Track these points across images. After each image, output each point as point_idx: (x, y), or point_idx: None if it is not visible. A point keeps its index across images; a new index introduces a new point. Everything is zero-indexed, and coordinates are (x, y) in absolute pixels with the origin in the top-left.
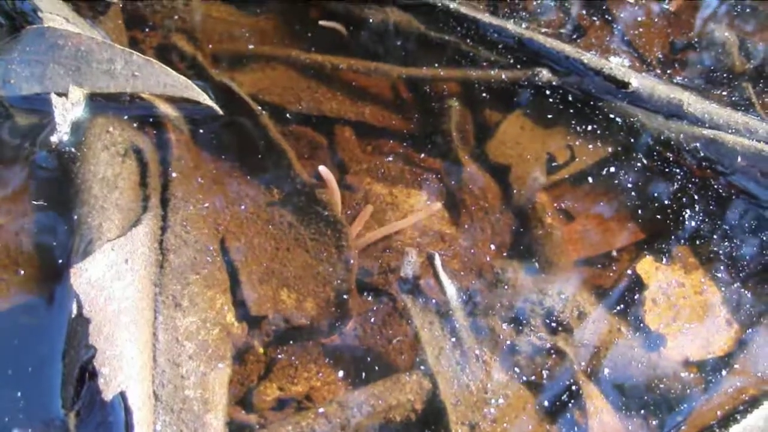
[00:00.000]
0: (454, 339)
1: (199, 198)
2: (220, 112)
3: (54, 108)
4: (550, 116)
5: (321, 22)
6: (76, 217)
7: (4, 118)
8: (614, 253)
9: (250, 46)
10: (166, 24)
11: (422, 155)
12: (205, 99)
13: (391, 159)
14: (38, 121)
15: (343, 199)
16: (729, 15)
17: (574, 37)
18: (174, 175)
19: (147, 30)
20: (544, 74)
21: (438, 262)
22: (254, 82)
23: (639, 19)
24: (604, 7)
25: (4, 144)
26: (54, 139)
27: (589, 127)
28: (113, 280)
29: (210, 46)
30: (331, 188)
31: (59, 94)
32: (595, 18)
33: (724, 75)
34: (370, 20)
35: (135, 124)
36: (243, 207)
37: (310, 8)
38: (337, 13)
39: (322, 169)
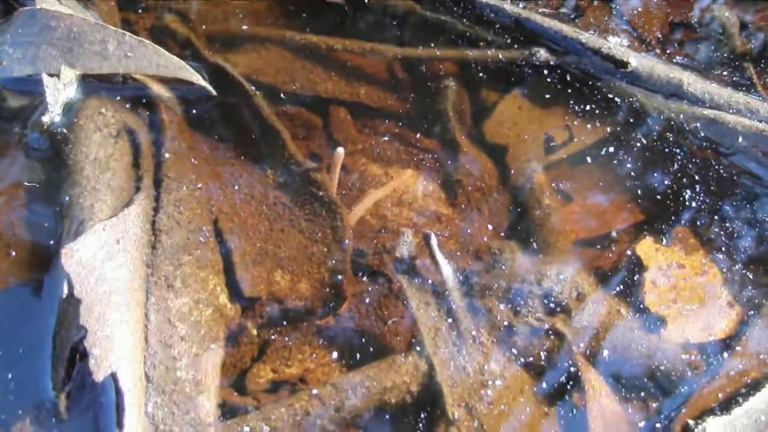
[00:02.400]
0: (450, 320)
1: (193, 179)
2: (214, 93)
3: (45, 88)
4: (548, 96)
5: None
6: (67, 198)
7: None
8: (613, 234)
9: (244, 27)
10: (159, 5)
11: (418, 136)
12: (198, 79)
13: (386, 139)
14: (30, 102)
15: (339, 180)
16: None
17: (573, 17)
18: (167, 155)
19: (140, 11)
20: (542, 54)
21: (434, 241)
22: (248, 63)
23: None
24: None
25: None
26: (45, 119)
27: (588, 107)
28: (104, 261)
29: (204, 27)
30: (335, 169)
31: (51, 75)
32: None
33: (725, 56)
34: (368, 2)
35: (128, 105)
36: (237, 188)
37: None
38: None
39: (339, 150)
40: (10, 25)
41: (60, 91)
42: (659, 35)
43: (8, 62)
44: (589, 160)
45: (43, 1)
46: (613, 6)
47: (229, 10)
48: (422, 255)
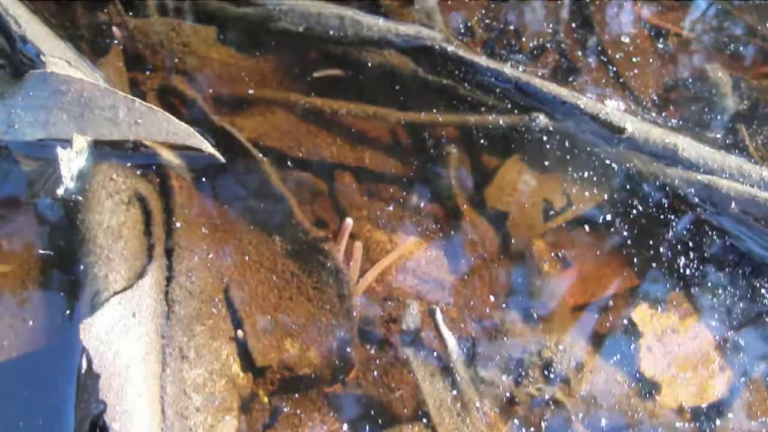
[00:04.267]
0: (455, 392)
1: (203, 247)
2: (223, 160)
3: (60, 161)
4: (547, 162)
5: (315, 74)
6: (82, 267)
7: (8, 164)
8: (610, 300)
9: (250, 90)
10: (166, 65)
11: (421, 201)
12: (208, 147)
13: (390, 205)
14: (42, 167)
15: (345, 247)
16: (722, 54)
17: (570, 78)
18: (177, 223)
19: (147, 72)
20: (541, 119)
21: (439, 316)
22: (254, 127)
23: (634, 59)
24: (599, 48)
25: (8, 190)
26: (60, 191)
27: (586, 173)
28: (121, 335)
29: (210, 88)
30: (342, 239)
31: (64, 146)
32: (590, 59)
33: (718, 116)
34: (368, 63)
35: (138, 171)
36: (246, 256)
37: (308, 50)
38: (335, 56)
39: (348, 221)
40: (20, 87)
41: (72, 160)
42: (654, 96)
43: (20, 126)
44: (586, 226)
45: (53, 64)
46: (609, 67)
47: (234, 71)
48: (427, 327)
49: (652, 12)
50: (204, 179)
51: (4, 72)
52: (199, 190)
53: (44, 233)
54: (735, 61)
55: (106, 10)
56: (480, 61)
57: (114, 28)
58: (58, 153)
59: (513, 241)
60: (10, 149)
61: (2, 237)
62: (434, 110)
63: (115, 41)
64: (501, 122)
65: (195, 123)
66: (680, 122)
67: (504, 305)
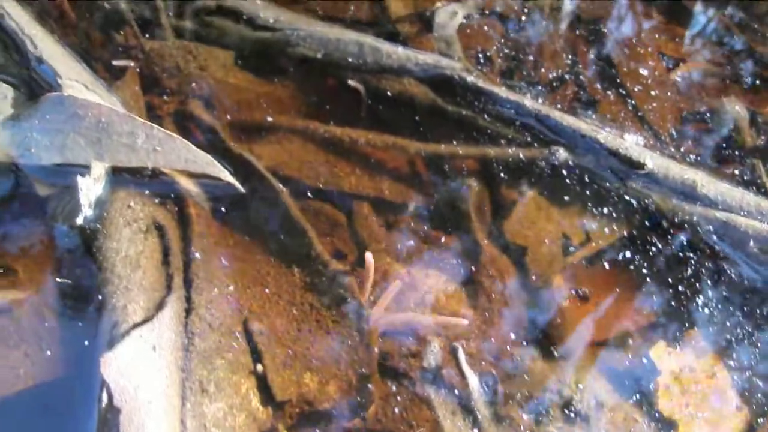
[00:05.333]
0: (476, 430)
1: (222, 278)
2: (242, 190)
3: (79, 189)
4: (566, 196)
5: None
6: (100, 296)
7: (24, 188)
8: (628, 337)
9: (268, 117)
10: (182, 90)
11: (440, 234)
12: (227, 176)
13: (409, 238)
14: (59, 192)
15: (361, 279)
16: (739, 87)
17: (588, 111)
18: (196, 253)
19: (163, 96)
20: (561, 153)
21: (461, 355)
22: (273, 155)
23: (652, 92)
24: (617, 80)
25: (24, 216)
26: (79, 220)
27: (604, 208)
28: (142, 369)
29: (227, 114)
30: (368, 274)
31: (82, 173)
32: (608, 91)
33: (735, 151)
34: (387, 91)
35: (156, 199)
36: (265, 287)
37: (326, 77)
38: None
39: (368, 256)
40: (36, 110)
41: (90, 188)
42: (672, 130)
43: (36, 149)
44: (605, 262)
45: (69, 87)
46: (628, 100)
47: (251, 97)
48: (449, 364)
49: (669, 44)
50: (222, 208)
51: (20, 93)
52: (217, 220)
53: (61, 260)
54: (753, 94)
55: (122, 32)
56: (500, 92)
57: (119, 62)
58: (78, 181)
59: (532, 276)
60: (26, 173)
61: (18, 263)
62: (454, 141)
63: (132, 64)
64: (521, 155)
65: (212, 150)
66: (698, 157)
67: (523, 342)
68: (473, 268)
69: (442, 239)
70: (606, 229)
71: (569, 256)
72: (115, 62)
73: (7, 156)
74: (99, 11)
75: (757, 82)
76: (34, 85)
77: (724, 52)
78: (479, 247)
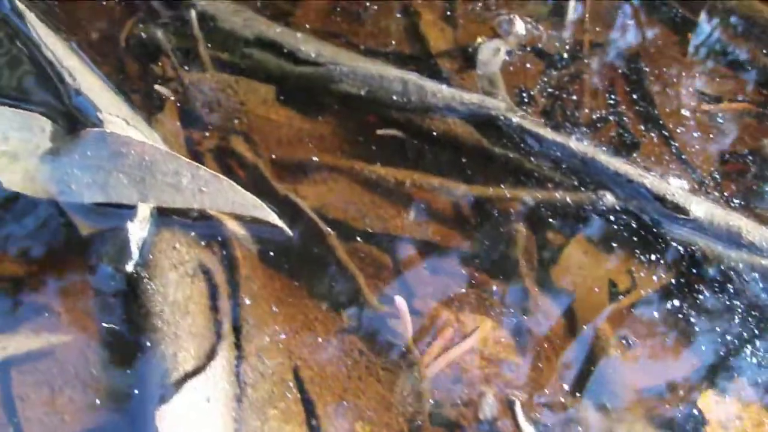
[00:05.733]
0: None
1: (271, 324)
2: (290, 233)
3: (129, 235)
4: (612, 241)
5: (379, 131)
6: (148, 343)
7: (65, 227)
8: (676, 385)
9: (311, 155)
10: (223, 125)
11: (488, 279)
12: (275, 219)
13: (456, 282)
14: (102, 232)
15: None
16: None
17: (632, 153)
18: (243, 297)
19: (203, 131)
20: (608, 198)
21: (518, 408)
22: (317, 196)
23: (694, 134)
24: (659, 121)
25: (65, 255)
26: (129, 267)
27: (651, 255)
28: (197, 421)
29: (269, 151)
30: (404, 319)
31: (131, 219)
32: (651, 132)
33: None
34: (431, 131)
35: (201, 241)
36: (314, 333)
37: (370, 114)
38: (398, 122)
39: (398, 300)
40: (77, 145)
41: (137, 231)
42: (716, 174)
43: (77, 186)
44: (651, 308)
45: (110, 122)
46: (671, 142)
47: (293, 133)
48: (504, 416)
49: (709, 84)
50: (268, 251)
51: (58, 126)
52: (264, 263)
53: (104, 303)
54: None
55: (160, 63)
56: (545, 133)
57: (162, 89)
58: (128, 226)
59: (579, 322)
60: (66, 211)
61: (59, 304)
62: (500, 183)
63: (172, 97)
64: (568, 200)
65: (256, 189)
66: (742, 202)
67: (573, 390)
68: (521, 313)
69: (490, 284)
70: (654, 276)
71: (616, 303)
72: (157, 87)
73: (46, 192)
74: (135, 40)
75: None
76: (72, 118)
77: (765, 92)
78: (527, 293)
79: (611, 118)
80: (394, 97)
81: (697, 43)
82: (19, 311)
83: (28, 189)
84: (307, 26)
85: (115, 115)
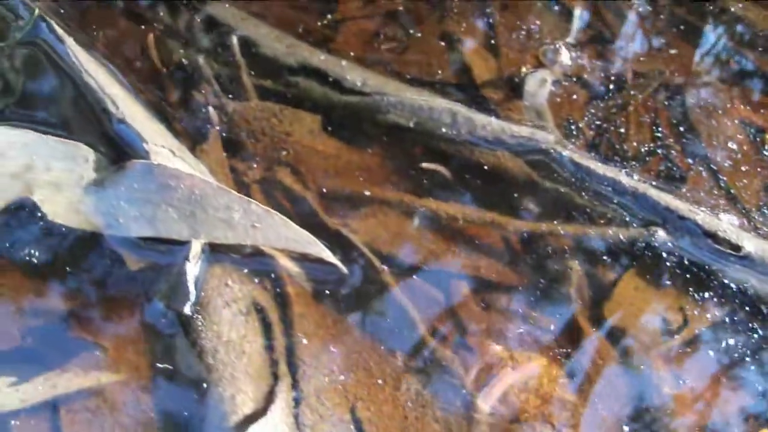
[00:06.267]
0: None
1: (327, 363)
2: (345, 271)
3: (186, 275)
4: (663, 277)
5: (423, 165)
6: (204, 384)
7: (112, 261)
8: (731, 424)
9: (360, 188)
10: (268, 155)
11: (540, 315)
12: (329, 257)
13: (509, 319)
14: (150, 266)
15: (464, 361)
16: None
17: (681, 188)
18: (299, 336)
19: (248, 161)
20: (660, 235)
21: None
22: (368, 230)
23: (742, 168)
24: (707, 155)
25: (114, 291)
26: (186, 309)
27: (703, 291)
28: None
29: (317, 183)
30: (464, 363)
31: (188, 257)
32: (700, 166)
33: None
34: (483, 165)
35: (253, 277)
36: (369, 372)
37: (418, 146)
38: (447, 154)
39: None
40: (123, 176)
41: (193, 270)
42: (765, 208)
43: (124, 220)
44: (704, 345)
45: (157, 153)
46: (718, 176)
47: (340, 165)
48: None
49: (754, 115)
50: (321, 288)
51: (102, 156)
52: (317, 300)
53: (156, 341)
54: None
55: (202, 91)
56: (596, 168)
57: (211, 111)
58: (186, 267)
59: (632, 360)
60: (112, 245)
61: (107, 340)
62: (551, 218)
63: (216, 126)
64: (621, 236)
65: (305, 223)
66: None
67: (629, 428)
68: (574, 351)
69: (543, 321)
70: (706, 314)
71: (668, 340)
72: (209, 114)
73: (91, 224)
74: (175, 67)
75: None
76: (116, 148)
77: None
78: (579, 329)
79: (658, 150)
80: (443, 129)
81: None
82: (67, 348)
83: (73, 221)
84: (351, 54)
85: (161, 145)
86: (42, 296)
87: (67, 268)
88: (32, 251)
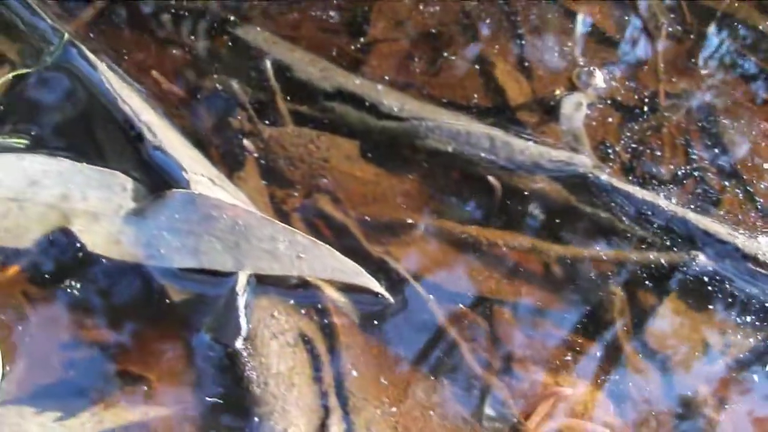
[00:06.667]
0: None
1: (377, 395)
2: (392, 301)
3: (238, 311)
4: (706, 301)
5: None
6: (256, 418)
7: (155, 292)
8: None
9: (401, 215)
10: (307, 182)
11: (583, 341)
12: (376, 287)
13: (553, 345)
14: (193, 297)
15: (511, 388)
16: None
17: (718, 211)
18: (347, 367)
19: (287, 189)
20: (701, 259)
21: None
22: (410, 257)
23: None
24: (742, 177)
25: (158, 322)
26: (238, 344)
27: (745, 315)
28: None
29: (357, 211)
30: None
31: (238, 289)
32: (736, 189)
33: None
34: (523, 190)
35: (299, 308)
36: (417, 401)
37: (453, 170)
38: (485, 179)
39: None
40: (164, 206)
41: (242, 302)
42: None
43: (167, 251)
44: (746, 369)
45: (197, 182)
46: (755, 198)
47: (379, 191)
48: None
49: None
50: (367, 317)
51: (139, 185)
52: (363, 330)
53: (203, 374)
54: None
55: (238, 117)
56: (635, 192)
57: (246, 142)
58: (238, 302)
59: (676, 384)
60: (154, 275)
61: (151, 372)
62: (592, 243)
63: (253, 153)
64: (662, 261)
65: (347, 251)
66: None
67: None
68: (617, 375)
69: (586, 346)
70: (749, 338)
71: (711, 364)
72: (245, 143)
73: (132, 255)
74: (209, 92)
75: None
76: (154, 176)
77: None
78: (623, 354)
79: (694, 173)
80: (482, 154)
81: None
82: (112, 381)
83: (113, 252)
84: (384, 77)
85: (200, 173)
86: (84, 328)
87: (109, 299)
88: (73, 282)
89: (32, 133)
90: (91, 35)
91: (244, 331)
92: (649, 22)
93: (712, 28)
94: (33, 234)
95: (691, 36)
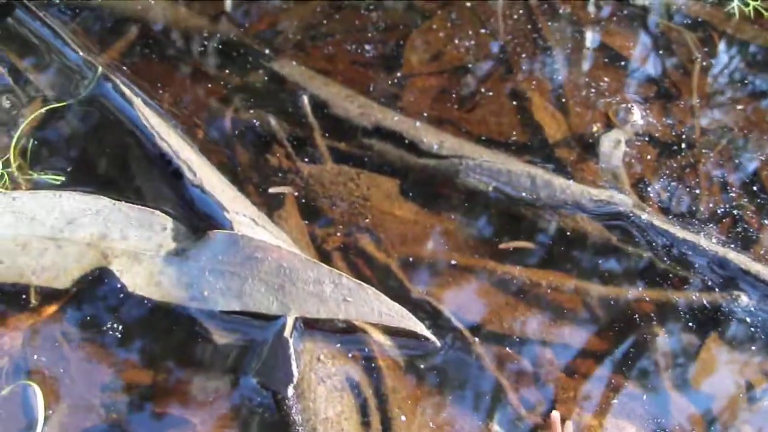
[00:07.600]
0: None
1: None
2: (438, 344)
3: (290, 357)
4: (748, 341)
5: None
6: None
7: (198, 335)
8: None
9: (443, 256)
10: (347, 221)
11: (626, 382)
12: (423, 330)
13: (596, 386)
14: (238, 341)
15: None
16: None
17: (758, 249)
18: (394, 411)
19: (327, 227)
20: (743, 299)
21: None
22: (453, 298)
23: None
24: None
25: (202, 365)
26: (290, 391)
27: None
28: None
29: (398, 251)
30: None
31: (287, 333)
32: None
33: None
34: (564, 230)
35: (348, 354)
36: None
37: (496, 210)
38: (525, 218)
39: (554, 415)
40: (206, 247)
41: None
42: None
43: (210, 293)
44: None
45: (239, 222)
46: None
47: (419, 231)
48: None
49: None
50: (413, 361)
51: (180, 225)
52: (409, 373)
53: (249, 419)
54: None
55: (276, 154)
56: (675, 231)
57: (285, 189)
58: (290, 352)
59: (718, 424)
60: (197, 317)
61: (195, 416)
62: (633, 283)
63: (293, 191)
64: (704, 301)
65: (388, 292)
66: None
67: None
68: (661, 417)
69: (629, 387)
70: None
71: (754, 404)
72: (272, 190)
73: (174, 297)
74: (247, 128)
75: None
76: (194, 216)
77: None
78: (666, 395)
79: (732, 211)
80: (523, 193)
81: None
82: (154, 424)
83: (155, 293)
84: (422, 113)
85: (242, 213)
86: (125, 370)
87: (150, 341)
88: (114, 323)
89: (68, 169)
90: (124, 68)
91: (295, 378)
92: (683, 57)
93: (747, 63)
94: (71, 274)
95: (725, 71)
